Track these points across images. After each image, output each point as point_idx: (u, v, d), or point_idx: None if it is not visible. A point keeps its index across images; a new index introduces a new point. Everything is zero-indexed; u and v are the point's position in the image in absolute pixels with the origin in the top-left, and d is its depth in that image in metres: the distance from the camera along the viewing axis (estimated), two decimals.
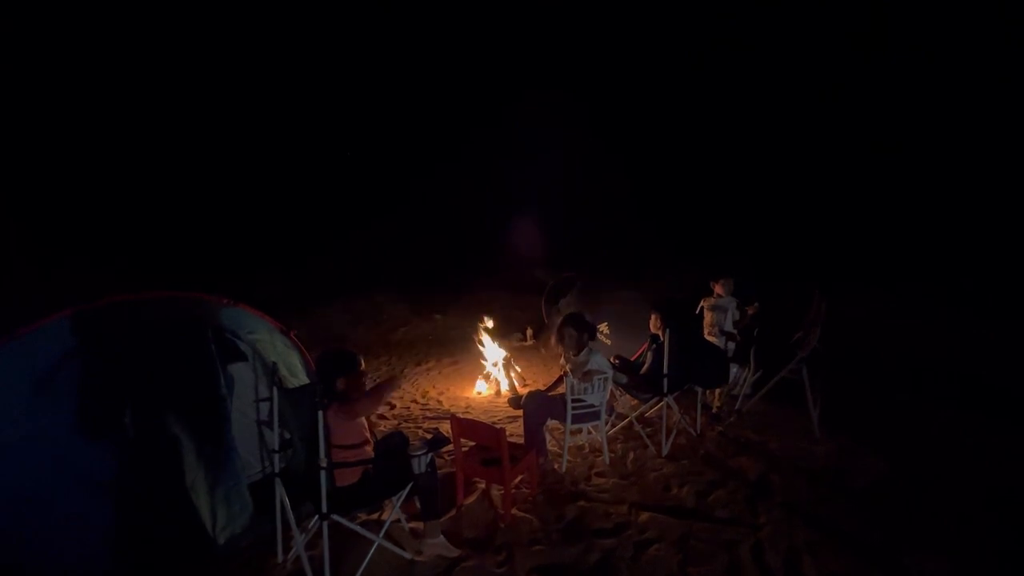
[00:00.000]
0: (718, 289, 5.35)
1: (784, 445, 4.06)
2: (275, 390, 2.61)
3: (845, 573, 2.57)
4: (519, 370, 6.05)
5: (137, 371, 2.72)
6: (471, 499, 3.27)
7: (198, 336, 3.03)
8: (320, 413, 2.26)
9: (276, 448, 2.65)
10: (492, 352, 6.00)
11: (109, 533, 2.50)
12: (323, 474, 2.32)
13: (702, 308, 5.31)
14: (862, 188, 13.83)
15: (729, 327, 5.23)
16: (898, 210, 12.74)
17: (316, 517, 2.49)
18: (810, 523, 2.98)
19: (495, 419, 4.83)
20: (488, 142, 15.31)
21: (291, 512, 2.55)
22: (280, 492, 2.61)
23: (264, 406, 3.35)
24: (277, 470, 2.63)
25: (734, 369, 4.90)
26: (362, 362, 2.79)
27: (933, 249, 11.11)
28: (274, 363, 2.95)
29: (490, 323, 6.26)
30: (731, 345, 5.06)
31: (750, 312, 5.14)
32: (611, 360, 4.07)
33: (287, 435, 2.66)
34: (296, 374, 3.64)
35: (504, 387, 5.77)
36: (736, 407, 4.79)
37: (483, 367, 6.03)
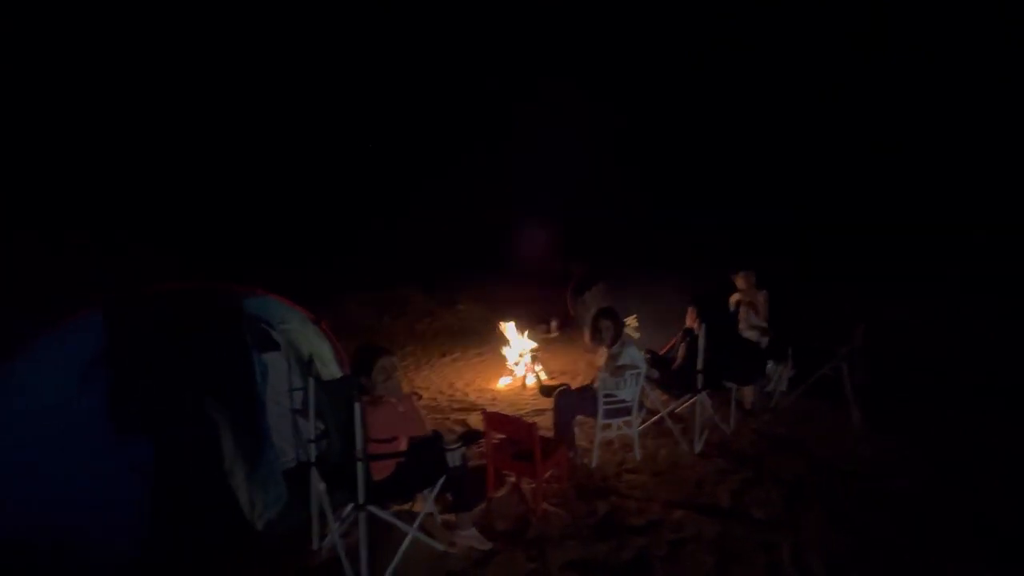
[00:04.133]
0: (739, 282, 5.18)
1: (823, 445, 3.93)
2: (311, 381, 2.63)
3: None
4: (540, 367, 6.01)
5: (175, 360, 2.78)
6: (502, 492, 3.26)
7: (233, 325, 3.08)
8: (357, 406, 2.27)
9: (312, 438, 2.67)
10: (517, 345, 5.97)
11: (151, 517, 2.56)
12: (359, 465, 2.33)
13: (737, 303, 5.16)
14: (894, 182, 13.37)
15: (760, 321, 5.07)
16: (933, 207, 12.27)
17: (352, 506, 2.51)
18: (852, 528, 2.87)
19: (521, 412, 4.81)
20: (507, 133, 15.24)
21: (327, 501, 2.58)
22: (316, 480, 2.64)
23: (297, 395, 3.40)
24: (313, 459, 2.66)
25: (769, 365, 4.76)
26: (396, 362, 2.79)
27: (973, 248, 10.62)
28: (310, 354, 2.98)
29: (511, 323, 6.20)
30: (764, 340, 4.91)
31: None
32: (643, 355, 4.00)
33: (321, 425, 2.69)
34: (327, 364, 3.68)
35: (530, 380, 5.74)
36: (771, 404, 4.67)
37: (508, 359, 6.02)
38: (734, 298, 5.13)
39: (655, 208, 13.99)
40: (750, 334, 4.90)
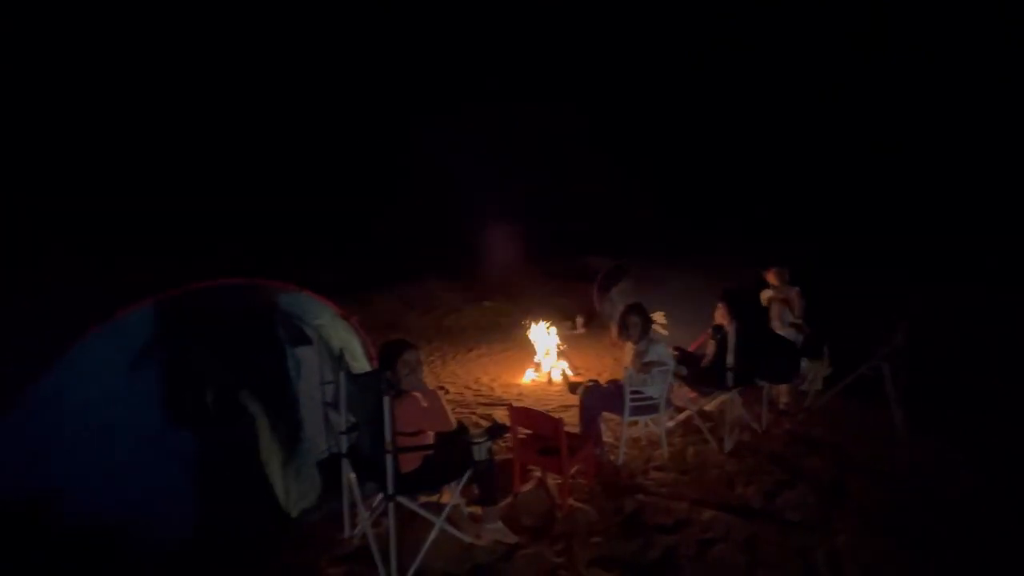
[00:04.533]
0: (772, 279, 5.03)
1: (861, 447, 3.79)
2: (342, 375, 2.69)
3: None
4: (566, 363, 5.99)
5: (215, 354, 2.89)
6: (527, 487, 3.27)
7: (268, 321, 3.19)
8: (386, 399, 2.31)
9: (343, 430, 2.74)
10: (544, 341, 5.97)
11: (193, 503, 2.68)
12: (388, 457, 2.38)
13: (769, 300, 5.02)
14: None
15: (794, 318, 4.91)
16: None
17: (381, 497, 2.57)
18: (892, 533, 2.76)
19: (547, 408, 4.81)
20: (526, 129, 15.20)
21: (358, 491, 2.65)
22: (347, 471, 2.71)
23: (329, 389, 3.49)
24: (344, 450, 2.73)
25: (804, 363, 4.61)
26: (420, 356, 2.83)
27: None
28: (341, 349, 3.05)
29: (539, 322, 6.20)
30: (799, 337, 4.76)
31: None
32: (671, 351, 3.94)
33: (352, 418, 2.75)
34: (357, 359, 3.76)
35: (557, 377, 5.74)
36: (806, 404, 4.53)
37: (533, 354, 6.02)
38: (766, 294, 4.99)
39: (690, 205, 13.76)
40: (784, 331, 4.76)
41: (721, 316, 4.11)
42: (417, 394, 2.68)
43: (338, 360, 3.05)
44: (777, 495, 3.17)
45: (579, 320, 8.37)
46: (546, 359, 5.90)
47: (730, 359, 3.80)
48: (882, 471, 3.44)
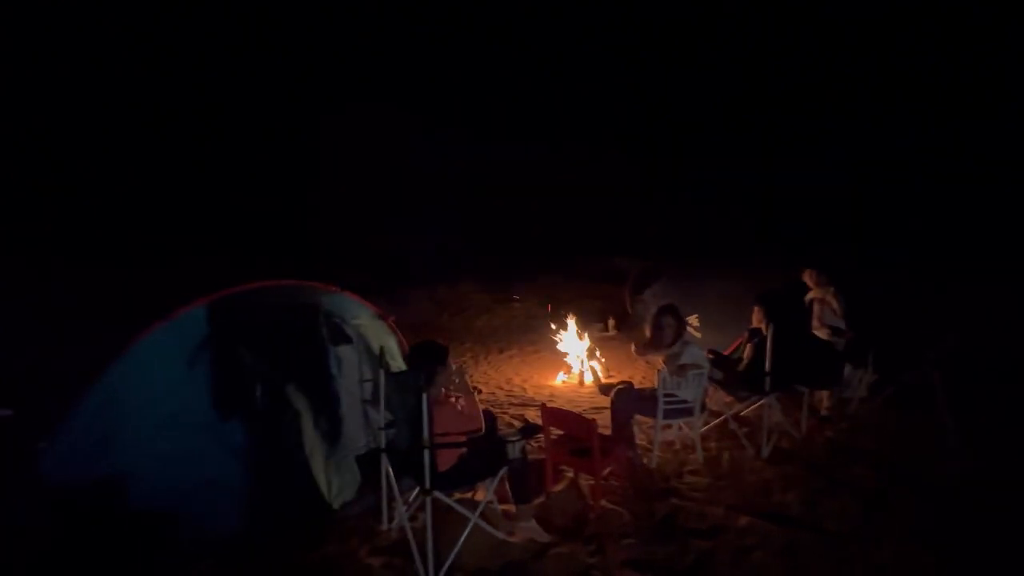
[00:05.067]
0: (808, 279, 4.88)
1: (907, 458, 3.64)
2: (381, 373, 2.80)
3: None
4: (603, 361, 5.98)
5: (264, 351, 3.05)
6: (560, 487, 3.30)
7: (312, 320, 3.34)
8: (425, 396, 2.40)
9: (381, 426, 2.85)
10: (574, 343, 5.98)
11: (243, 494, 2.84)
12: (425, 453, 2.46)
13: (810, 302, 4.87)
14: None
15: (837, 322, 4.74)
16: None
17: (418, 491, 2.65)
18: (936, 549, 2.63)
19: (579, 409, 4.82)
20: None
21: (395, 485, 2.75)
22: (386, 466, 2.81)
23: (368, 386, 3.62)
24: (382, 446, 2.83)
25: (847, 369, 4.46)
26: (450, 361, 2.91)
27: None
28: (380, 347, 3.17)
29: (571, 319, 6.21)
30: (840, 341, 4.60)
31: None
32: (706, 354, 3.89)
33: (390, 415, 2.85)
34: (394, 357, 3.88)
35: (588, 378, 5.74)
36: (849, 411, 4.38)
37: (565, 356, 6.04)
38: (808, 296, 4.85)
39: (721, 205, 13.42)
40: (824, 334, 4.61)
41: (758, 319, 4.03)
42: (452, 399, 2.77)
43: (377, 359, 3.16)
44: (817, 504, 3.09)
45: (611, 322, 8.32)
46: (577, 361, 5.91)
47: (767, 363, 3.72)
48: (929, 484, 3.29)
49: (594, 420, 3.09)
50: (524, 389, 5.67)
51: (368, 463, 3.19)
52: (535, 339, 7.79)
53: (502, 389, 5.68)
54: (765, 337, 3.76)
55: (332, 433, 3.09)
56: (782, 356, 3.69)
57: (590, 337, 6.16)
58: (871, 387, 4.58)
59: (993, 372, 4.91)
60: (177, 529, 2.73)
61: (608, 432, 3.75)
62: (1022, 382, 4.91)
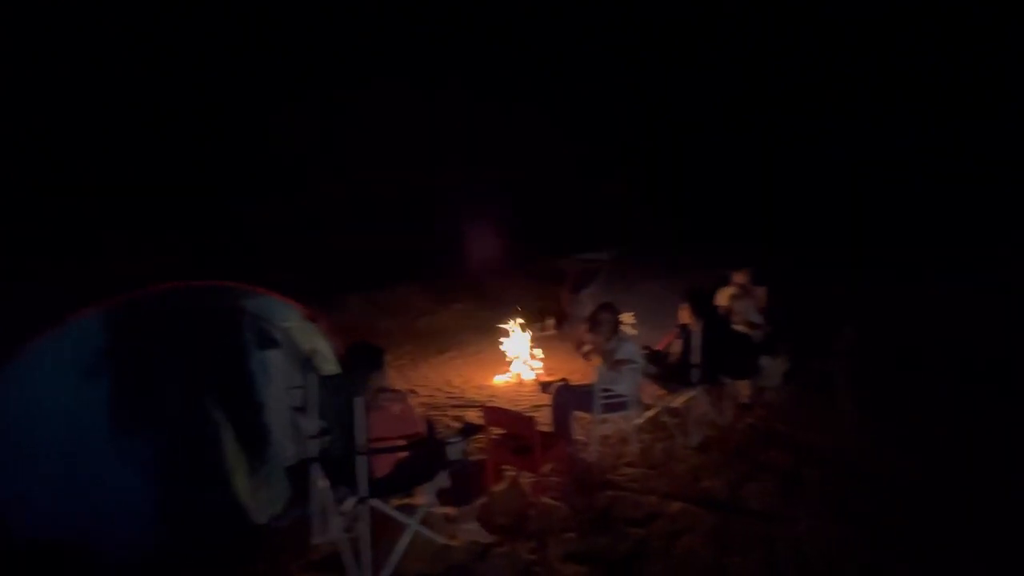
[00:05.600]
0: (739, 279, 5.25)
1: (816, 438, 3.99)
2: (311, 377, 2.65)
3: (887, 572, 2.52)
4: (543, 359, 6.06)
5: (177, 358, 2.79)
6: (502, 486, 3.29)
7: (233, 323, 3.10)
8: (357, 401, 2.30)
9: (312, 434, 2.70)
10: (516, 342, 6.01)
11: (156, 511, 2.58)
12: (360, 459, 2.36)
13: (731, 298, 5.21)
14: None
15: (755, 317, 5.13)
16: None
17: (353, 501, 2.54)
18: (848, 520, 2.91)
19: (520, 408, 4.84)
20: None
21: (329, 495, 2.61)
22: (317, 476, 2.66)
23: (298, 392, 3.43)
24: (314, 455, 2.68)
25: (764, 359, 4.81)
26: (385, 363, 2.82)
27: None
28: (310, 351, 3.00)
29: (519, 318, 6.25)
30: (758, 334, 4.97)
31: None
32: (640, 350, 4.04)
33: (322, 422, 2.71)
34: (327, 361, 3.70)
35: (528, 376, 5.78)
36: (766, 399, 4.72)
37: (505, 356, 6.06)
38: (727, 293, 5.19)
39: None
40: (744, 329, 4.96)
41: (686, 316, 4.25)
42: (387, 404, 2.67)
43: (307, 362, 3.00)
44: (741, 486, 3.31)
45: (550, 322, 8.45)
46: (517, 360, 5.95)
47: (695, 357, 3.94)
48: (836, 460, 3.63)
49: (534, 418, 3.11)
50: (464, 390, 5.61)
51: (298, 474, 3.01)
52: (476, 340, 7.75)
53: (442, 391, 5.59)
54: (693, 333, 3.97)
55: (257, 444, 2.88)
56: (708, 350, 3.93)
57: (531, 336, 6.22)
58: (785, 375, 4.97)
59: (887, 361, 5.50)
60: (80, 561, 2.43)
61: (548, 429, 3.80)
62: (912, 369, 5.54)
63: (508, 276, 10.86)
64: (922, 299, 8.14)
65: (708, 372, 4.02)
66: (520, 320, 6.29)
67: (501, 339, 6.19)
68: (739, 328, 4.96)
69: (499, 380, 5.86)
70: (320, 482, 2.65)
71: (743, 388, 4.86)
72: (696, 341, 3.93)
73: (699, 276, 5.62)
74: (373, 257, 11.68)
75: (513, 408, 4.69)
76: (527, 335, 6.19)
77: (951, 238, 10.92)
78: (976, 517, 2.90)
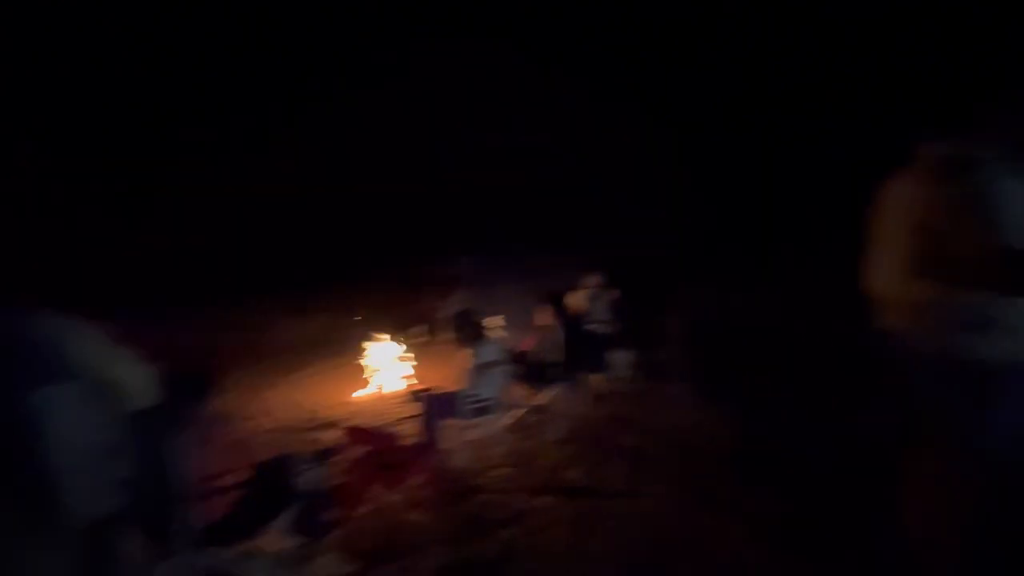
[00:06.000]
0: (589, 282, 5.73)
1: (662, 420, 4.43)
2: (116, 415, 2.18)
3: (733, 538, 2.82)
4: (414, 366, 5.88)
5: None
6: (366, 509, 3.08)
7: (7, 353, 2.42)
8: (176, 439, 1.94)
9: (118, 482, 2.22)
10: (380, 351, 5.75)
11: None
12: (183, 507, 2.00)
13: (584, 298, 5.64)
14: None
15: (607, 316, 5.63)
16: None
17: (176, 557, 2.14)
18: (688, 490, 3.26)
19: (385, 422, 4.62)
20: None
21: (145, 554, 2.16)
22: (128, 533, 2.19)
23: (100, 433, 2.81)
24: (120, 507, 2.21)
25: (616, 353, 5.29)
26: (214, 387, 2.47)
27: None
28: (112, 382, 2.46)
29: (376, 331, 5.98)
30: (610, 330, 5.46)
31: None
32: (504, 353, 4.15)
33: (131, 467, 2.25)
34: (138, 394, 3.10)
35: (394, 388, 5.57)
36: (618, 389, 5.19)
37: (367, 368, 5.75)
38: (581, 294, 5.61)
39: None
40: (598, 327, 5.41)
41: (546, 317, 4.48)
42: (211, 433, 2.32)
43: (109, 396, 2.46)
44: (597, 473, 3.56)
45: (418, 328, 8.27)
46: (383, 372, 5.69)
47: (556, 356, 4.17)
48: (681, 439, 4.02)
49: (396, 432, 2.98)
50: (322, 409, 5.18)
51: (101, 535, 2.45)
52: (337, 353, 7.24)
53: (298, 412, 5.09)
54: (553, 333, 4.20)
55: (38, 505, 2.27)
56: (567, 349, 4.19)
57: (399, 344, 6.00)
58: (634, 366, 5.53)
59: (718, 350, 6.26)
60: None
61: (418, 441, 3.68)
62: (742, 356, 6.36)
63: (372, 282, 10.38)
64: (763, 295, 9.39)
65: (567, 369, 4.28)
66: (386, 329, 6.04)
67: (364, 350, 5.87)
68: (593, 327, 5.40)
69: (362, 394, 5.54)
70: (130, 543, 2.19)
71: (599, 382, 5.29)
72: (556, 341, 4.16)
73: (556, 279, 5.98)
74: (214, 264, 10.26)
75: (377, 423, 4.46)
76: (395, 344, 5.97)
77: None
78: (800, 481, 3.29)
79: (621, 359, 5.43)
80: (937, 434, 1.90)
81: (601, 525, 2.95)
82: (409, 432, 3.89)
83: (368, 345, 5.84)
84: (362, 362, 5.83)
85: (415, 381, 5.80)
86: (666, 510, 3.09)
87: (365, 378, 5.73)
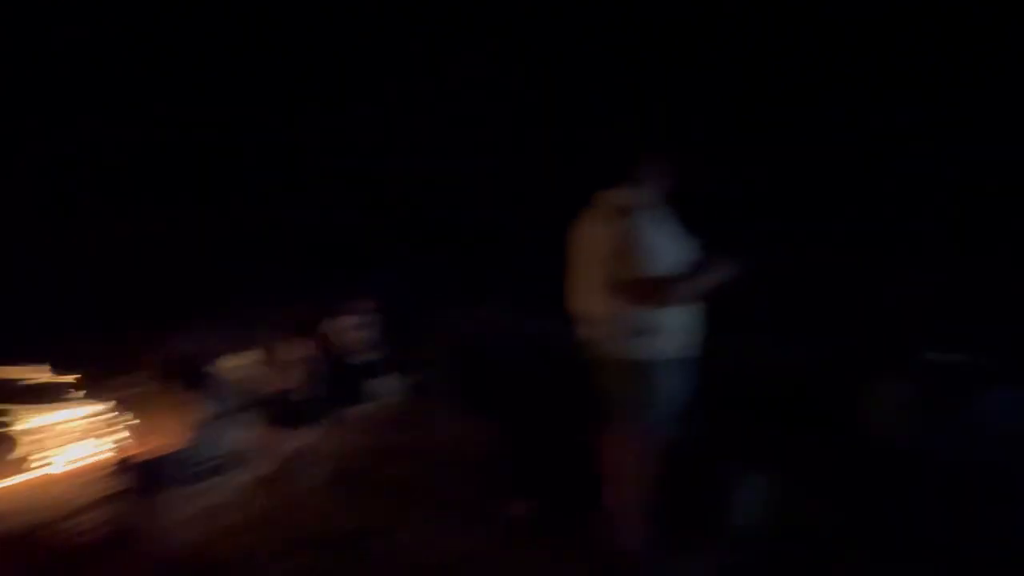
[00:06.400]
0: (353, 307, 5.53)
1: (430, 441, 4.38)
2: None
3: (484, 552, 2.92)
4: (134, 424, 4.45)
5: None
6: None
7: None
8: None
9: None
10: (51, 415, 4.09)
11: None
12: None
13: (347, 326, 5.36)
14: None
15: (373, 342, 5.47)
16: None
17: None
18: (445, 507, 3.31)
19: (62, 512, 3.29)
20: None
21: None
22: None
23: None
24: None
25: (380, 380, 5.18)
26: None
27: None
28: None
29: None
30: (373, 357, 5.31)
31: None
32: (243, 397, 3.61)
33: None
34: None
35: (64, 468, 4.04)
36: (383, 416, 5.07)
37: (24, 440, 4.00)
38: (343, 321, 5.33)
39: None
40: (362, 355, 5.21)
41: (305, 349, 4.11)
42: None
43: None
44: (360, 509, 3.33)
45: (144, 373, 6.47)
46: (59, 440, 4.03)
47: (318, 390, 3.84)
48: (447, 459, 4.01)
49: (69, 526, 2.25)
50: None
51: None
52: None
53: None
54: (314, 366, 3.86)
55: None
56: (331, 381, 3.89)
57: (111, 397, 4.47)
58: (401, 389, 5.50)
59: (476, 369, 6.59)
60: None
61: (116, 526, 2.84)
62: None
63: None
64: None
65: (331, 403, 3.98)
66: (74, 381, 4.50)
67: (14, 416, 4.08)
68: (357, 355, 5.18)
69: (15, 481, 3.80)
70: None
71: (363, 411, 5.06)
72: (317, 374, 3.83)
73: (304, 308, 5.51)
74: None
75: (45, 518, 3.22)
76: (93, 402, 4.47)
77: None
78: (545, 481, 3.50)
79: (388, 385, 5.34)
80: (619, 416, 2.48)
81: (362, 567, 2.79)
82: (105, 517, 2.98)
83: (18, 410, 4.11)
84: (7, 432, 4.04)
85: (127, 444, 4.50)
86: (432, 538, 3.05)
87: (18, 454, 3.99)
